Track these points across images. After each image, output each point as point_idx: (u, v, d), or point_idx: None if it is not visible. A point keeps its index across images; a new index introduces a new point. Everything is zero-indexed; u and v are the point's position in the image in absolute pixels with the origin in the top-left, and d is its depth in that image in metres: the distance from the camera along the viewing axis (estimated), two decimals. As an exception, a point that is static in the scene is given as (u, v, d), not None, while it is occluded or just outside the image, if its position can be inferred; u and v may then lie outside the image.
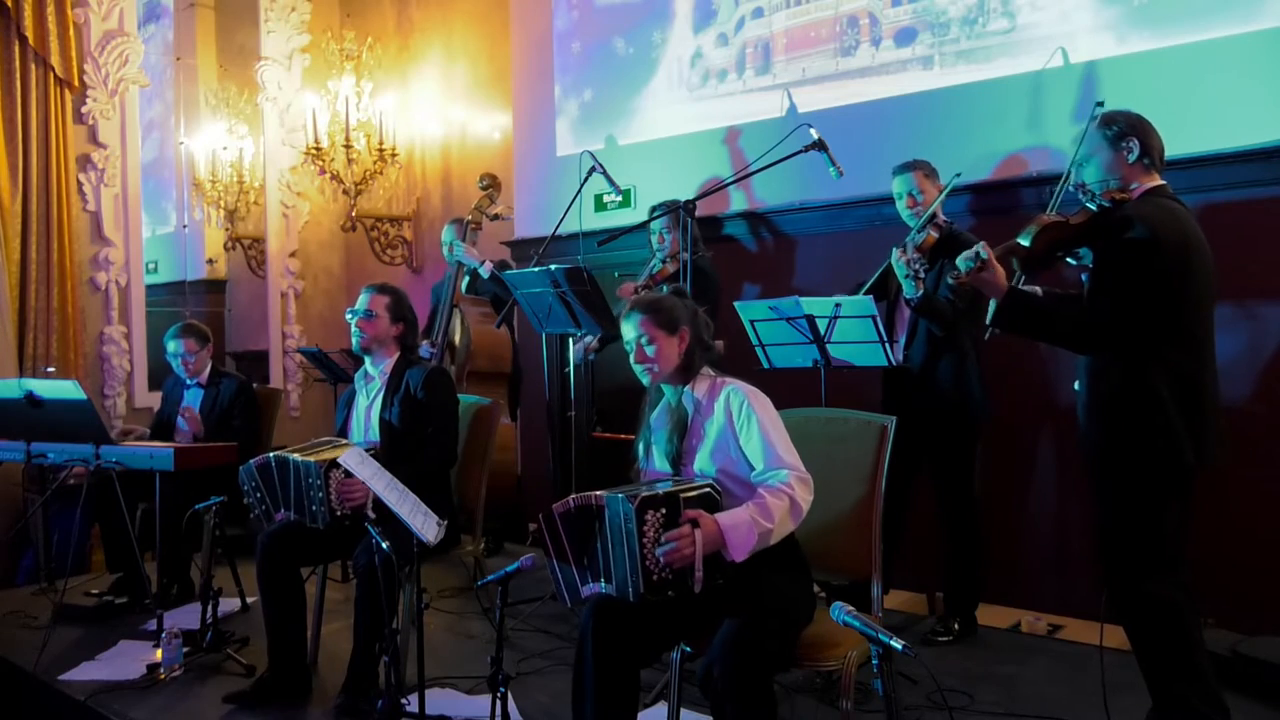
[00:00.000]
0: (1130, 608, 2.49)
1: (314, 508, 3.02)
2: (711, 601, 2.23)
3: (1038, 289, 2.68)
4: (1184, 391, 2.42)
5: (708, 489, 2.30)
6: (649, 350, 2.45)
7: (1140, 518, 2.46)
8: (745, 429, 2.36)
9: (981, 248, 2.45)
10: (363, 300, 3.40)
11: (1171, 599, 2.44)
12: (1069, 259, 2.60)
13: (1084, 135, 2.67)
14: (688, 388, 2.47)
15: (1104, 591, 2.57)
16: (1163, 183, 2.55)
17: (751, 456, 2.35)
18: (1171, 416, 2.40)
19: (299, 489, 3.05)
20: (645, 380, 2.52)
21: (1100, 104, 2.67)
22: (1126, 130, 2.53)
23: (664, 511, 2.19)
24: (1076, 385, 2.62)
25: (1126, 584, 2.49)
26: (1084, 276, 2.60)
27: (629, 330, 2.48)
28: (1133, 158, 2.52)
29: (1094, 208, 2.53)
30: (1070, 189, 2.64)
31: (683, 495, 2.23)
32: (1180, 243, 2.41)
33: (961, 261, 2.47)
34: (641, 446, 2.57)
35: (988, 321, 2.53)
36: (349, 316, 3.39)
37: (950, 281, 2.44)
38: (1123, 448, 2.46)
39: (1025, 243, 2.50)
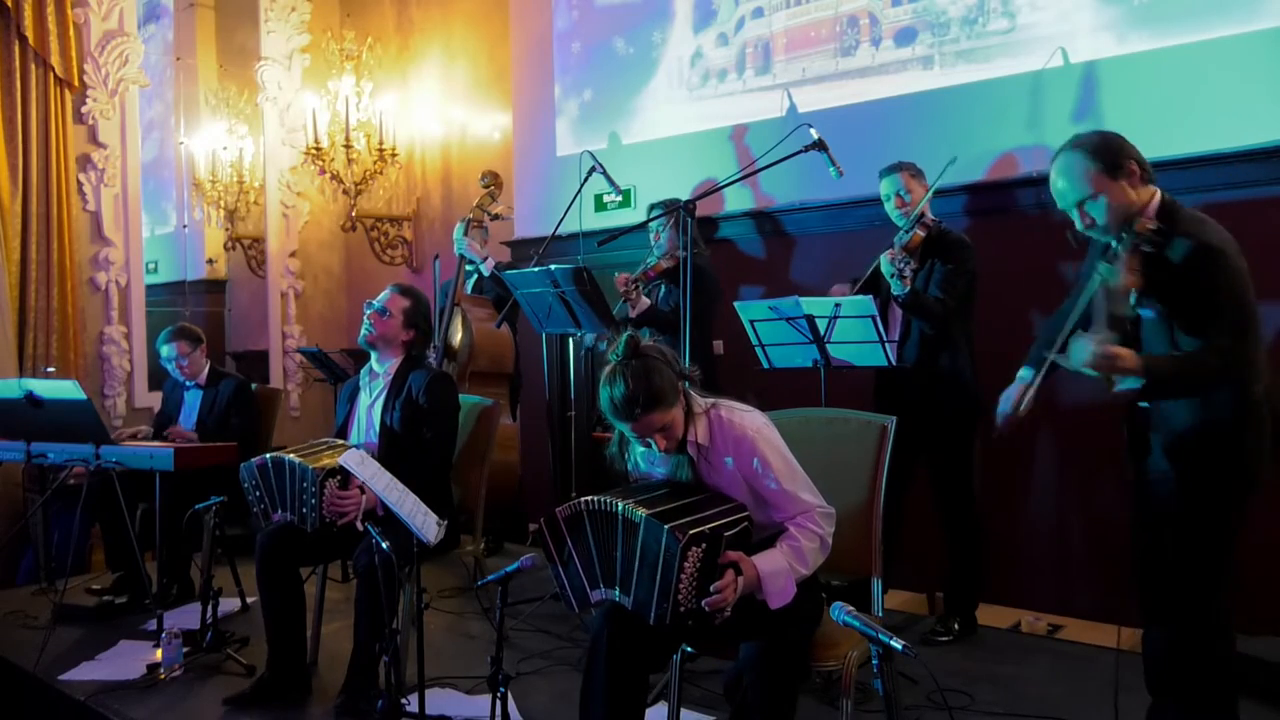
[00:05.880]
0: (1202, 638, 2.41)
1: (305, 511, 3.02)
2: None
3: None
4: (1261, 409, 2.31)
5: (745, 524, 2.21)
6: (666, 434, 2.26)
7: (1225, 545, 2.37)
8: (760, 474, 2.28)
9: (1096, 345, 2.18)
10: (383, 296, 3.42)
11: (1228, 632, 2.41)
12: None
13: (1065, 173, 2.35)
14: (687, 435, 2.31)
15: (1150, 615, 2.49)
16: (1159, 189, 2.37)
17: (770, 499, 2.29)
18: (1265, 436, 2.29)
19: (294, 491, 3.06)
20: (659, 453, 2.32)
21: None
22: (1116, 154, 2.31)
23: (705, 548, 2.11)
24: (1144, 403, 2.39)
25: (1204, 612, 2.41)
26: (1143, 312, 2.36)
27: (641, 430, 2.25)
28: (1135, 177, 2.31)
29: (1148, 249, 2.26)
30: (1082, 233, 2.38)
31: (725, 534, 2.15)
32: (1238, 249, 2.28)
33: (1077, 356, 2.22)
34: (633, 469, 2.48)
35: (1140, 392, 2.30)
36: (366, 307, 3.40)
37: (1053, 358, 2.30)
38: (1232, 475, 2.32)
39: (1128, 313, 2.28)
